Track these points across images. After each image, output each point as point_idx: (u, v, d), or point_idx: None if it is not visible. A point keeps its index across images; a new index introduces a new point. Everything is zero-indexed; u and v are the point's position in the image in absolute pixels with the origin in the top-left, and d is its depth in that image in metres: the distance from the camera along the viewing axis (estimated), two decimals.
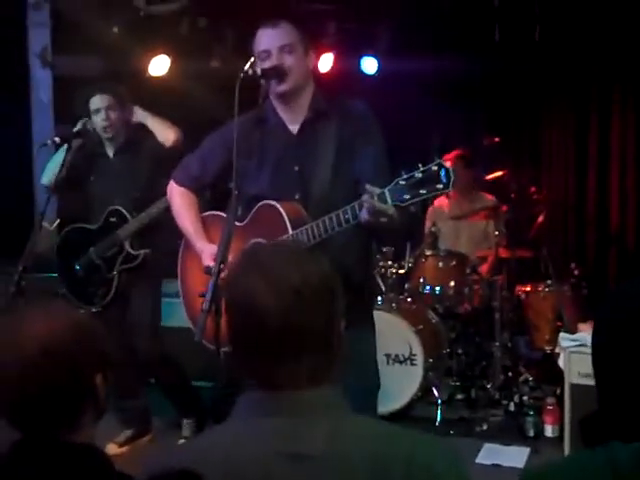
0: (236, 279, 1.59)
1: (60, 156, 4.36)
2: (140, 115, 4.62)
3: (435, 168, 2.55)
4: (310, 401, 1.53)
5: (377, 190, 2.62)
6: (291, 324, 1.50)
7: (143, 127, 4.65)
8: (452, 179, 2.54)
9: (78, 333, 1.71)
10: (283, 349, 1.52)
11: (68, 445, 1.67)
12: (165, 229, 4.09)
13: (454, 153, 6.07)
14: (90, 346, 1.72)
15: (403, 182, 2.59)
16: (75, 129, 4.41)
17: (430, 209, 6.22)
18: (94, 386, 1.73)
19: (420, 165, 2.58)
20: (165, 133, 4.53)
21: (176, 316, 4.48)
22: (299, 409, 1.52)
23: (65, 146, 4.31)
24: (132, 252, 4.50)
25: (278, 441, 1.49)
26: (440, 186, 2.55)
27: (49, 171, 4.60)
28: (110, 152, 4.60)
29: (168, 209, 3.46)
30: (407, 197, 2.58)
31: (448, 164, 2.57)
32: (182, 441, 4.49)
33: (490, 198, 6.07)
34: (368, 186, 2.66)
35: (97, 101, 4.45)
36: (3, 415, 1.71)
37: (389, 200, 2.60)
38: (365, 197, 2.64)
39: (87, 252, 4.60)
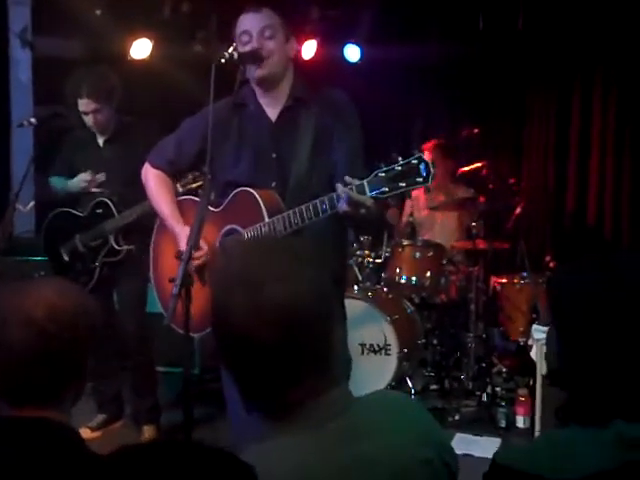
0: (221, 300, 1.50)
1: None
2: None
3: (415, 162, 2.56)
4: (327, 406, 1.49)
5: (356, 181, 2.63)
6: (284, 345, 1.43)
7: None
8: (432, 173, 2.56)
9: (82, 306, 1.76)
10: (283, 369, 1.46)
11: (44, 421, 1.68)
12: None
13: (433, 142, 6.07)
14: (90, 321, 1.76)
15: (382, 174, 2.59)
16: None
17: (408, 200, 6.21)
18: (85, 362, 1.75)
19: (400, 158, 2.58)
20: None
21: (149, 301, 4.49)
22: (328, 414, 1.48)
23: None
24: (115, 247, 4.50)
25: (341, 448, 1.44)
26: (419, 179, 2.56)
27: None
28: (100, 141, 4.61)
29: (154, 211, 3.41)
30: (386, 189, 2.59)
31: (428, 157, 2.59)
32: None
33: (467, 189, 6.07)
34: (347, 178, 2.67)
35: (84, 104, 4.43)
36: None
37: (368, 192, 2.61)
38: (344, 188, 2.65)
39: (73, 238, 4.60)
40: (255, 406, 1.53)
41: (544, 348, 4.10)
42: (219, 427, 4.38)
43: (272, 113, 3.12)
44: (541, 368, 4.18)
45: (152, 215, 3.51)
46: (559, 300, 1.62)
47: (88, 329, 1.75)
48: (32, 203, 5.39)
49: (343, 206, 2.69)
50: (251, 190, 3.01)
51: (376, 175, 2.61)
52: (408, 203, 6.21)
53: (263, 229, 2.95)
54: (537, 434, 4.17)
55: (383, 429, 1.52)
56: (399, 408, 1.62)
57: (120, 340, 4.60)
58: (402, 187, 2.58)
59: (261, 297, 1.43)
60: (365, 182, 2.61)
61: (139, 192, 3.51)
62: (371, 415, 1.55)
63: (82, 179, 4.54)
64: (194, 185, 3.98)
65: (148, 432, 4.63)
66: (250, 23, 3.02)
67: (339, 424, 1.47)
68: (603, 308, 1.53)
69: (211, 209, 3.06)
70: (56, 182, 4.74)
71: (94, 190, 4.52)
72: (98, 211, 4.51)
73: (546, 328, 4.42)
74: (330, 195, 2.76)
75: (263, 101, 3.12)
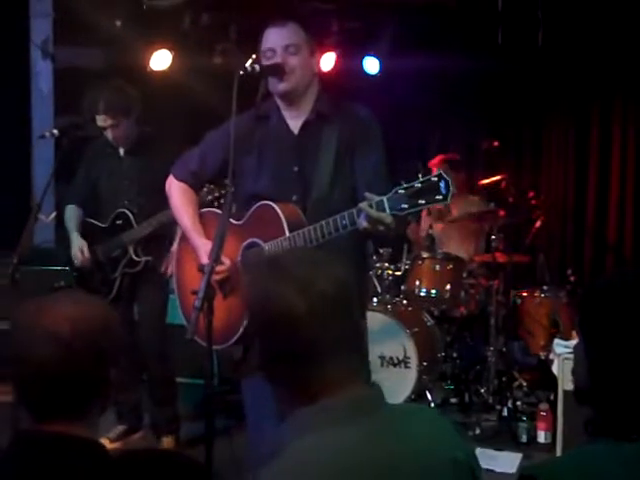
0: (262, 288, 1.58)
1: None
2: None
3: (435, 179, 2.56)
4: (361, 401, 1.56)
5: (376, 198, 2.63)
6: (325, 328, 1.52)
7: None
8: (451, 191, 2.56)
9: (106, 321, 1.74)
10: (321, 354, 1.52)
11: (71, 438, 1.67)
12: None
13: (440, 157, 6.06)
14: (115, 335, 1.75)
15: (402, 191, 2.59)
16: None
17: (424, 212, 6.17)
18: (109, 377, 1.74)
19: (420, 175, 2.60)
20: None
21: (171, 313, 4.50)
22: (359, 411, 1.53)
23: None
24: (135, 258, 4.52)
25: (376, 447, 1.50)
26: (439, 197, 2.56)
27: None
28: (121, 151, 4.63)
29: (172, 222, 3.42)
30: (405, 207, 2.59)
31: (448, 176, 2.58)
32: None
33: (486, 202, 6.03)
34: (367, 194, 2.67)
35: (101, 120, 4.45)
36: (21, 395, 1.71)
37: (387, 209, 2.61)
38: (363, 205, 2.65)
39: (94, 249, 4.62)
40: (290, 401, 1.57)
41: (566, 362, 4.07)
42: (236, 439, 4.36)
43: (295, 126, 3.11)
44: (563, 383, 4.13)
45: (172, 225, 3.51)
46: (590, 316, 1.60)
47: (113, 342, 1.74)
48: (54, 213, 5.40)
49: (363, 223, 2.70)
50: (272, 204, 2.99)
51: (396, 192, 2.60)
52: (425, 215, 6.17)
53: (284, 243, 2.93)
54: (559, 449, 4.12)
55: (414, 430, 1.59)
56: (427, 416, 1.70)
57: (140, 351, 4.61)
58: (422, 204, 2.58)
59: (299, 279, 1.55)
60: (385, 199, 2.61)
61: (159, 203, 3.51)
62: (402, 418, 1.62)
63: (77, 247, 4.59)
64: (209, 197, 3.97)
65: (167, 443, 4.63)
66: (274, 40, 3.02)
67: (374, 421, 1.53)
68: (634, 324, 1.51)
69: (232, 222, 3.04)
70: (67, 217, 4.77)
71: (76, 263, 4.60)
72: (118, 222, 4.54)
73: (567, 342, 4.37)
74: (350, 211, 2.75)
75: (286, 114, 3.12)
